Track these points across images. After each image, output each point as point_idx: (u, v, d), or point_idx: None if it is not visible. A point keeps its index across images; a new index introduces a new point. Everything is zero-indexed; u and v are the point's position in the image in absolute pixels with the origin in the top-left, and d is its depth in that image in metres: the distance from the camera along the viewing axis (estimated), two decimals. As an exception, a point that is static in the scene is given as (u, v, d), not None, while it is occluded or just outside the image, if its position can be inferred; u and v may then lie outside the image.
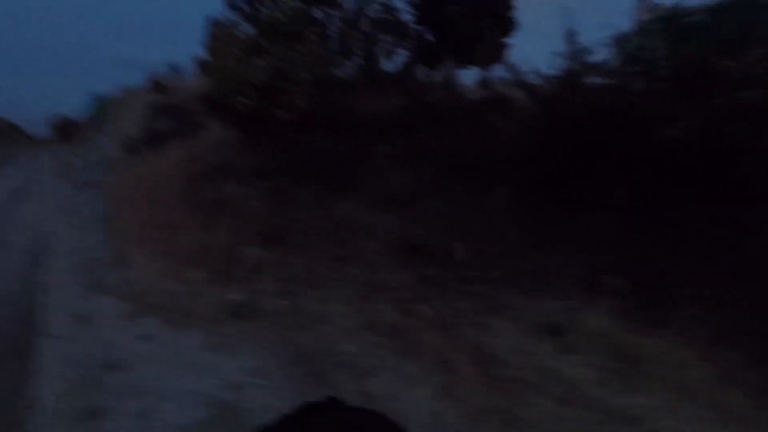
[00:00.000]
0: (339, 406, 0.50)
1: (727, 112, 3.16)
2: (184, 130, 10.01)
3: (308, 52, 2.89)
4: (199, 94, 3.70)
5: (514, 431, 2.14)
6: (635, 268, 2.97)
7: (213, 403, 2.07)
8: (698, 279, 2.88)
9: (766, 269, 2.76)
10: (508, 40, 6.95)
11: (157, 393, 2.15)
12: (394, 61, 7.08)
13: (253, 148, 4.56)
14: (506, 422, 2.20)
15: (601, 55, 4.02)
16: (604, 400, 2.34)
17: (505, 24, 6.92)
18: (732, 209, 3.15)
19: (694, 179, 3.17)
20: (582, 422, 2.20)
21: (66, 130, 45.58)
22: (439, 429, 2.10)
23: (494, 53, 6.60)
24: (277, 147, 5.33)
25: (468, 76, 7.06)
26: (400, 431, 0.47)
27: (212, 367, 2.52)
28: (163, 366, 2.56)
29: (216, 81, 2.73)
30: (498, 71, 6.35)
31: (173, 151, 9.25)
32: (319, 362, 2.65)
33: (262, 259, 4.25)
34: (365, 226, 4.71)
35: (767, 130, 3.10)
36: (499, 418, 2.21)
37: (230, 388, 2.29)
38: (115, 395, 2.20)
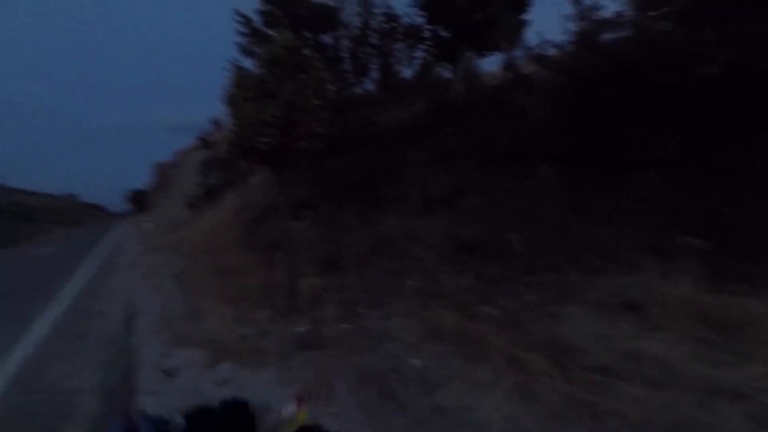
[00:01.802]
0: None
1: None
2: (233, 179, 10.60)
3: (314, 78, 2.95)
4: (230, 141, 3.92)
5: (602, 427, 1.97)
6: (706, 223, 2.66)
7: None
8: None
9: None
10: (525, 18, 6.68)
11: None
12: (413, 66, 7.07)
13: (291, 182, 4.69)
14: (593, 417, 2.03)
15: (613, 7, 3.75)
16: (703, 378, 2.09)
17: (519, 2, 6.67)
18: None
19: (743, 119, 2.79)
20: (681, 406, 1.98)
21: (138, 200, 50.02)
22: (520, 434, 1.99)
23: (513, 34, 6.36)
24: (312, 177, 5.47)
25: (490, 63, 6.86)
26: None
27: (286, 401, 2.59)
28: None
29: (237, 126, 2.87)
30: (518, 52, 6.10)
31: (226, 200, 9.81)
32: (388, 381, 2.62)
33: (320, 287, 4.34)
34: (414, 236, 4.66)
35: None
36: (584, 414, 2.05)
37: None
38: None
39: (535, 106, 4.26)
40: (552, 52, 4.12)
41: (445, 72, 6.70)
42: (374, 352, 3.04)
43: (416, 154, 5.06)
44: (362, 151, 5.25)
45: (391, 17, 6.43)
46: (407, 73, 6.72)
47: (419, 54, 7.00)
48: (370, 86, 6.50)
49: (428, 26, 6.86)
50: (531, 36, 7.18)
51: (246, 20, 6.75)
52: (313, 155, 3.80)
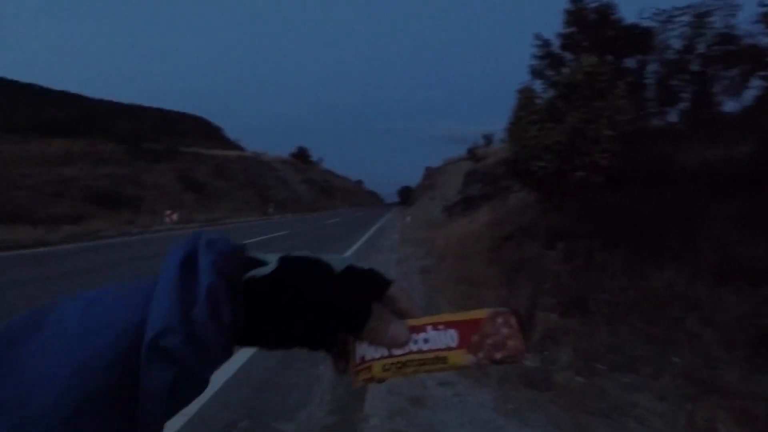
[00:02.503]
0: None
1: None
2: (492, 193, 10.92)
3: (611, 107, 2.69)
4: (504, 160, 4.01)
5: None
6: None
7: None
8: None
9: None
10: None
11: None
12: (743, 98, 5.61)
13: (555, 210, 4.47)
14: None
15: None
16: None
17: None
18: None
19: None
20: None
21: (406, 195, 57.79)
22: None
23: None
24: (580, 208, 5.04)
25: None
26: None
27: (499, 429, 2.54)
28: (458, 413, 2.76)
29: (516, 146, 2.91)
30: None
31: (482, 213, 10.21)
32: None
33: (559, 326, 4.03)
34: (696, 306, 3.76)
35: None
36: None
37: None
38: (416, 426, 2.53)
39: None
40: None
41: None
42: (608, 422, 2.64)
43: (724, 207, 4.03)
44: (649, 192, 4.51)
45: (728, 38, 5.25)
46: (732, 106, 5.38)
47: (756, 83, 5.51)
48: (674, 118, 5.51)
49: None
50: None
51: (544, 43, 6.78)
52: (587, 187, 3.53)
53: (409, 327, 0.36)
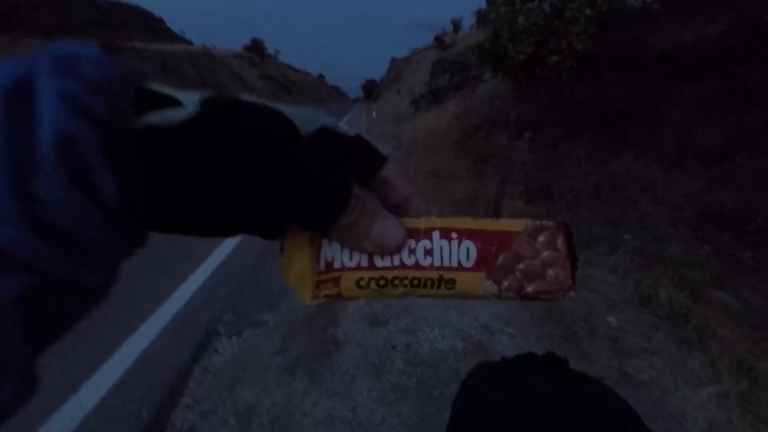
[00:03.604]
0: (560, 364, 0.46)
1: None
2: (461, 84, 10.59)
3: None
4: (475, 46, 3.78)
5: None
6: None
7: (467, 339, 2.29)
8: None
9: None
10: None
11: (424, 319, 2.52)
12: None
13: (526, 99, 4.40)
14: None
15: None
16: None
17: None
18: None
19: None
20: None
21: (370, 89, 55.47)
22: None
23: None
24: (552, 97, 4.98)
25: None
26: (630, 410, 0.40)
27: (470, 309, 2.76)
28: (430, 301, 2.97)
29: (491, 31, 2.72)
30: None
31: (450, 105, 9.99)
32: (574, 327, 2.53)
33: (524, 212, 4.23)
34: (651, 188, 3.99)
35: None
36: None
37: (483, 329, 2.46)
38: (392, 309, 2.72)
39: None
40: None
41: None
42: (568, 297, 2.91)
43: (691, 92, 4.07)
44: (619, 79, 4.45)
45: None
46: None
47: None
48: (650, -1, 5.23)
49: None
50: None
51: None
52: (561, 74, 3.44)
53: (405, 228, 0.25)
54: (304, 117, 0.24)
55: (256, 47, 54.02)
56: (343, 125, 0.26)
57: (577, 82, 4.65)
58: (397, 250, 0.25)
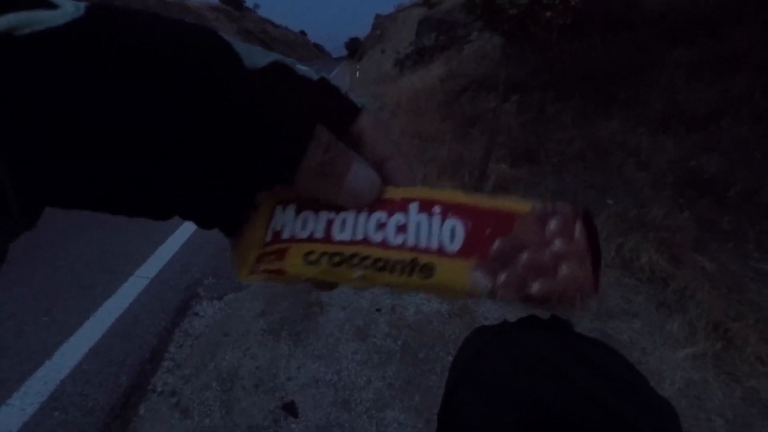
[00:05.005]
0: (564, 327, 0.44)
1: None
2: (447, 44, 10.28)
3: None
4: (464, 3, 3.61)
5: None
6: None
7: (452, 302, 2.29)
8: None
9: None
10: None
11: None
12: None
13: (514, 59, 4.26)
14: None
15: None
16: None
17: None
18: None
19: None
20: None
21: (354, 48, 53.74)
22: (698, 400, 1.77)
23: None
24: (541, 59, 4.85)
25: None
26: (634, 371, 0.39)
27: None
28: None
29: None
30: None
31: (436, 66, 9.73)
32: (558, 290, 2.55)
33: (509, 177, 4.21)
34: (636, 152, 3.99)
35: None
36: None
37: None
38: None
39: None
40: None
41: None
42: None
43: (681, 54, 4.00)
44: (608, 38, 4.34)
45: None
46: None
47: None
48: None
49: None
50: None
51: None
52: (552, 33, 3.32)
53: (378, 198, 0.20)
54: (250, 49, 0.17)
55: (234, 0, 51.31)
56: (304, 67, 0.20)
57: (567, 41, 4.52)
58: (369, 201, 0.19)
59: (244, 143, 0.16)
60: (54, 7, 0.13)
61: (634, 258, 2.81)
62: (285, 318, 2.17)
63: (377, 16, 32.21)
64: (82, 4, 0.14)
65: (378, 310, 2.24)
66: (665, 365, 1.92)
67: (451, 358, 1.71)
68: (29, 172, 0.13)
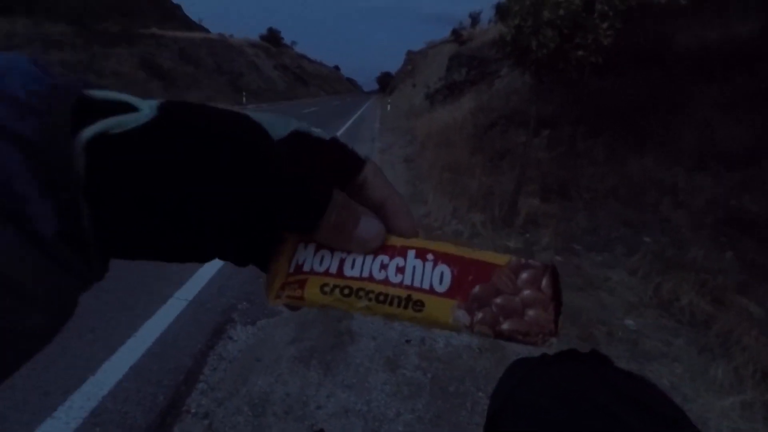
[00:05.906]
0: (605, 361, 0.44)
1: None
2: (477, 79, 10.48)
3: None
4: (495, 41, 3.71)
5: None
6: None
7: (481, 339, 2.27)
8: None
9: None
10: None
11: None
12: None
13: (544, 95, 4.31)
14: None
15: None
16: None
17: None
18: None
19: None
20: None
21: (385, 82, 55.25)
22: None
23: None
24: (571, 94, 4.89)
25: None
26: (676, 408, 0.38)
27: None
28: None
29: (518, 20, 2.64)
30: None
31: (466, 100, 9.89)
32: (591, 328, 2.49)
33: (540, 211, 4.18)
34: (672, 190, 3.91)
35: None
36: None
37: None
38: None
39: None
40: None
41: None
42: (583, 295, 2.87)
43: (715, 91, 3.96)
44: (640, 75, 4.34)
45: None
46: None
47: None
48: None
49: None
50: None
51: None
52: (583, 70, 3.37)
53: (382, 244, 0.25)
54: (274, 122, 0.22)
55: (272, 37, 54.04)
56: (318, 130, 0.25)
57: (598, 78, 4.54)
58: (375, 248, 0.24)
59: (275, 203, 0.21)
60: (136, 110, 0.18)
61: (673, 299, 2.72)
62: (316, 346, 2.20)
63: (409, 52, 33.17)
64: (155, 104, 0.19)
65: (407, 341, 2.24)
66: (710, 413, 1.83)
67: (481, 394, 1.70)
68: (110, 231, 0.18)
